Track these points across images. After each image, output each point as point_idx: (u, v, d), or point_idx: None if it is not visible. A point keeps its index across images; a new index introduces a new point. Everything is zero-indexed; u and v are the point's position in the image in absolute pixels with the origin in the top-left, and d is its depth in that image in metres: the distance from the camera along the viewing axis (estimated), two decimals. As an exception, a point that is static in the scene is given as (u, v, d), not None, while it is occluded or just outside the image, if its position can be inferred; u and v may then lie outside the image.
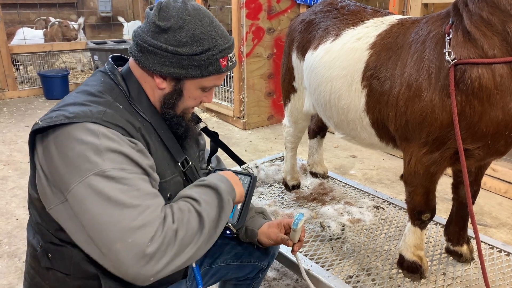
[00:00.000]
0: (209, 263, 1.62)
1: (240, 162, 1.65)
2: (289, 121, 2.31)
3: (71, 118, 1.08)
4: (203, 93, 1.29)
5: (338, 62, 1.76)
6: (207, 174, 1.64)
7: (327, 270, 1.79)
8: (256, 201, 2.30)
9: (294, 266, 1.84)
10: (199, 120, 1.54)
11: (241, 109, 4.85)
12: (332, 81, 1.78)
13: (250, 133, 4.79)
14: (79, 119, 1.08)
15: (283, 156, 2.89)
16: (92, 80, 1.28)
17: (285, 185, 2.44)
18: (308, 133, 2.59)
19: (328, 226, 2.09)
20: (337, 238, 2.04)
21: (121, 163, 1.06)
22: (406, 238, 1.75)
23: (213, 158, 1.69)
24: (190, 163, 1.36)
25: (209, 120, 5.27)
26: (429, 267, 1.81)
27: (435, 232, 2.10)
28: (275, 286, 2.36)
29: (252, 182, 1.55)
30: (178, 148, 1.33)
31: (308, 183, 2.53)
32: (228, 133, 4.77)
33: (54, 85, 6.17)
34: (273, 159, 2.84)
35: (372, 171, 3.96)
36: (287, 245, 1.46)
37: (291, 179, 2.42)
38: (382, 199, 2.39)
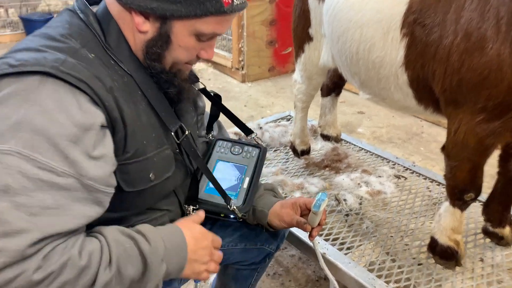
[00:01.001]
0: None
1: (247, 131, 1.34)
2: (301, 76, 1.96)
3: (16, 66, 0.77)
4: (200, 43, 0.95)
5: (370, 3, 1.39)
6: (207, 143, 1.34)
7: (345, 254, 1.53)
8: (261, 168, 2.00)
9: (303, 245, 1.57)
10: (196, 78, 1.21)
11: (240, 59, 4.45)
12: (362, 27, 1.42)
13: (249, 86, 4.43)
14: (27, 67, 0.77)
15: (289, 115, 2.57)
16: (57, 21, 0.95)
17: (293, 149, 2.14)
18: (321, 90, 2.24)
19: (344, 200, 1.81)
20: (355, 214, 1.77)
21: (37, 150, 0.73)
22: (442, 219, 1.48)
23: (214, 124, 1.39)
24: (186, 132, 1.05)
25: (205, 71, 4.87)
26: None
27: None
28: (279, 257, 2.13)
29: (261, 156, 1.27)
30: (171, 112, 1.02)
31: (319, 147, 2.23)
32: (226, 86, 4.40)
33: (38, 29, 5.68)
34: (278, 119, 2.51)
35: (381, 129, 3.67)
36: (305, 230, 1.19)
37: (301, 143, 2.11)
38: (404, 167, 2.10)
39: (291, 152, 2.18)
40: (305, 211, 1.22)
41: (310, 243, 1.29)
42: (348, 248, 1.57)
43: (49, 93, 0.77)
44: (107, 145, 0.84)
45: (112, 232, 0.84)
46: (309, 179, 1.94)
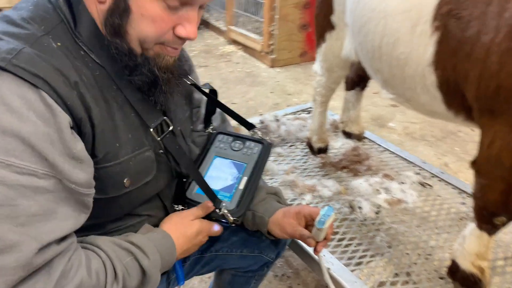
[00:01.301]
0: (200, 251, 1.26)
1: (247, 125, 1.20)
2: (322, 68, 1.78)
3: None
4: (171, 14, 0.76)
5: (398, -11, 1.20)
6: (207, 137, 1.21)
7: (352, 271, 1.38)
8: (272, 165, 1.86)
9: (307, 256, 1.43)
10: (185, 70, 1.05)
11: (270, 43, 4.26)
12: (386, 18, 1.23)
13: (278, 72, 4.25)
14: None
15: (311, 107, 2.39)
16: (24, 1, 0.82)
17: (310, 146, 1.98)
18: (345, 83, 2.05)
19: (359, 207, 1.64)
20: (370, 224, 1.60)
21: (11, 153, 0.64)
22: (466, 242, 1.29)
23: (215, 116, 1.25)
24: (171, 127, 0.93)
25: (234, 54, 4.73)
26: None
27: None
28: (290, 257, 2.01)
29: (264, 152, 1.13)
30: (149, 106, 0.88)
31: (339, 145, 2.05)
32: (254, 71, 4.24)
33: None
34: (298, 111, 2.34)
35: (414, 125, 3.43)
36: (308, 244, 1.06)
37: (318, 141, 1.94)
38: (431, 173, 1.89)
39: (307, 149, 2.02)
40: (311, 222, 1.08)
41: (315, 256, 1.16)
42: (356, 264, 1.41)
43: (11, 88, 0.66)
44: (81, 146, 0.74)
45: (109, 245, 0.80)
46: (323, 180, 1.78)
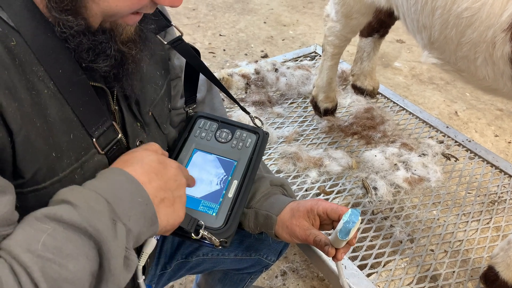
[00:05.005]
0: (185, 255, 1.02)
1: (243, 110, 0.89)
2: (337, 12, 1.39)
3: None
4: None
5: None
6: (187, 120, 0.92)
7: (368, 276, 1.14)
8: (270, 130, 1.54)
9: (321, 262, 1.19)
10: (153, 29, 0.72)
11: (263, -38, 3.70)
12: (450, -45, 0.86)
13: (272, -2, 3.76)
14: None
15: (315, 51, 2.02)
16: None
17: (315, 106, 1.65)
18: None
19: (374, 188, 1.38)
20: (387, 210, 1.35)
21: None
22: None
23: (200, 86, 0.94)
24: (118, 135, 0.65)
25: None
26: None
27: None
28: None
29: (259, 147, 0.88)
30: (94, 101, 0.61)
31: (348, 103, 1.73)
32: (244, -5, 3.73)
33: None
34: (299, 57, 1.97)
35: (422, 65, 3.11)
36: (327, 254, 0.77)
37: (325, 100, 1.61)
38: (455, 142, 1.61)
39: (311, 107, 1.70)
40: (326, 221, 0.81)
41: (333, 265, 0.92)
42: (372, 266, 1.17)
43: None
44: None
45: (20, 235, 0.48)
46: (331, 151, 1.48)
